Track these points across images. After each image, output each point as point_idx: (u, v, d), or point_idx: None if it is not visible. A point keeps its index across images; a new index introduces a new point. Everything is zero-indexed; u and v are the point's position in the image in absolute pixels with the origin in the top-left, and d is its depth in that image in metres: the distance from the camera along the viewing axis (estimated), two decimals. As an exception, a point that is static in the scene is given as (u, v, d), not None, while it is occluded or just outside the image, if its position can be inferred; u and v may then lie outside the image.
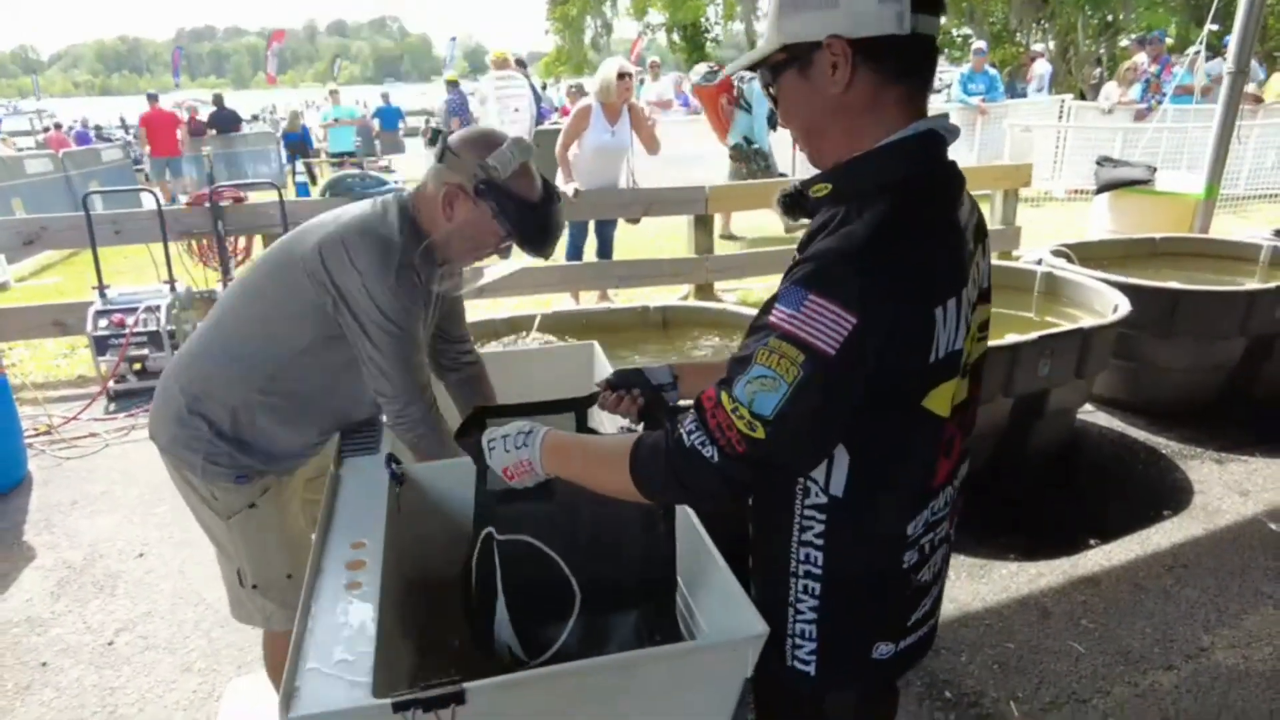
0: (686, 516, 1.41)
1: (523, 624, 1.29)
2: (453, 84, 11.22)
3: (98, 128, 19.98)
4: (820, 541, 1.08)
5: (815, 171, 1.07)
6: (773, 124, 7.30)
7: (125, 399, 4.47)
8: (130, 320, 4.42)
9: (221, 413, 1.64)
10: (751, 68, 1.08)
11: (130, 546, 3.16)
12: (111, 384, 4.45)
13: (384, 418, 1.73)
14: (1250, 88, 8.91)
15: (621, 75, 5.27)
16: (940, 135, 1.02)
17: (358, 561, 1.33)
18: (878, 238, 0.93)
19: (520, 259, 1.79)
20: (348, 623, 1.18)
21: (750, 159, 7.49)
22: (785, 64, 1.02)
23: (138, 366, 4.45)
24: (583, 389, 2.32)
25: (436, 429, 1.70)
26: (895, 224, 0.94)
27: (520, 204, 1.57)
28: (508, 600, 1.30)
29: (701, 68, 8.19)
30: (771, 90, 1.07)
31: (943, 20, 1.03)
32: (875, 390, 0.95)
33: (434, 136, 1.72)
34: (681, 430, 1.00)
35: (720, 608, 1.27)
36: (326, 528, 1.42)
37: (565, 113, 12.65)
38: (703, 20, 22.56)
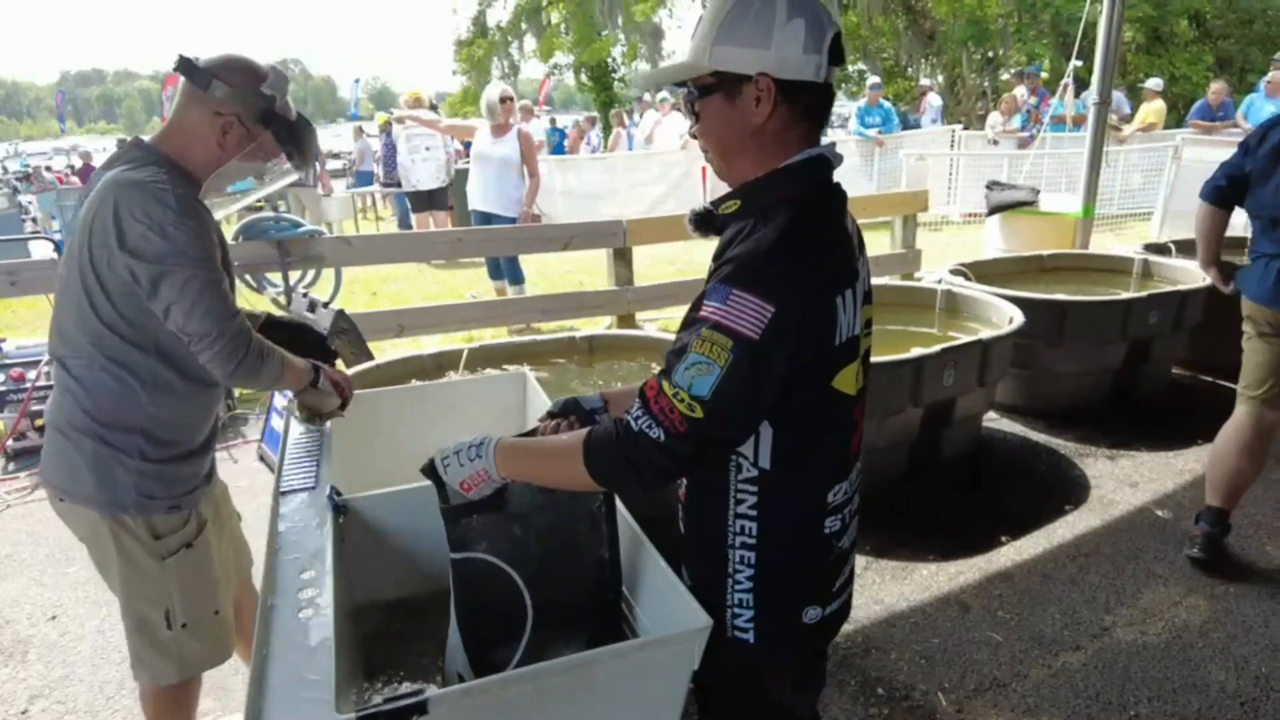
0: (623, 518, 1.47)
1: (475, 648, 1.32)
2: (385, 126, 11.10)
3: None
4: (754, 513, 1.20)
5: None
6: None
7: (26, 457, 4.23)
8: (32, 374, 4.22)
9: (129, 438, 1.62)
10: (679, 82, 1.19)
11: (40, 609, 3.00)
12: (10, 442, 4.22)
13: (207, 362, 1.60)
14: (1112, 119, 9.70)
15: (504, 99, 6.07)
16: (828, 160, 1.18)
17: (307, 589, 1.34)
18: (785, 240, 1.09)
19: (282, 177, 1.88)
20: (305, 645, 1.19)
21: None
22: (713, 87, 1.15)
23: (39, 422, 4.24)
24: (516, 416, 2.37)
25: (264, 345, 1.64)
26: (798, 229, 1.10)
27: (291, 127, 1.66)
28: (460, 624, 1.33)
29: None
30: (695, 106, 1.18)
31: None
32: (794, 371, 1.09)
33: (181, 64, 1.66)
34: (629, 418, 1.11)
35: (663, 604, 1.33)
36: (274, 560, 1.43)
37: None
38: (609, 61, 23.02)
